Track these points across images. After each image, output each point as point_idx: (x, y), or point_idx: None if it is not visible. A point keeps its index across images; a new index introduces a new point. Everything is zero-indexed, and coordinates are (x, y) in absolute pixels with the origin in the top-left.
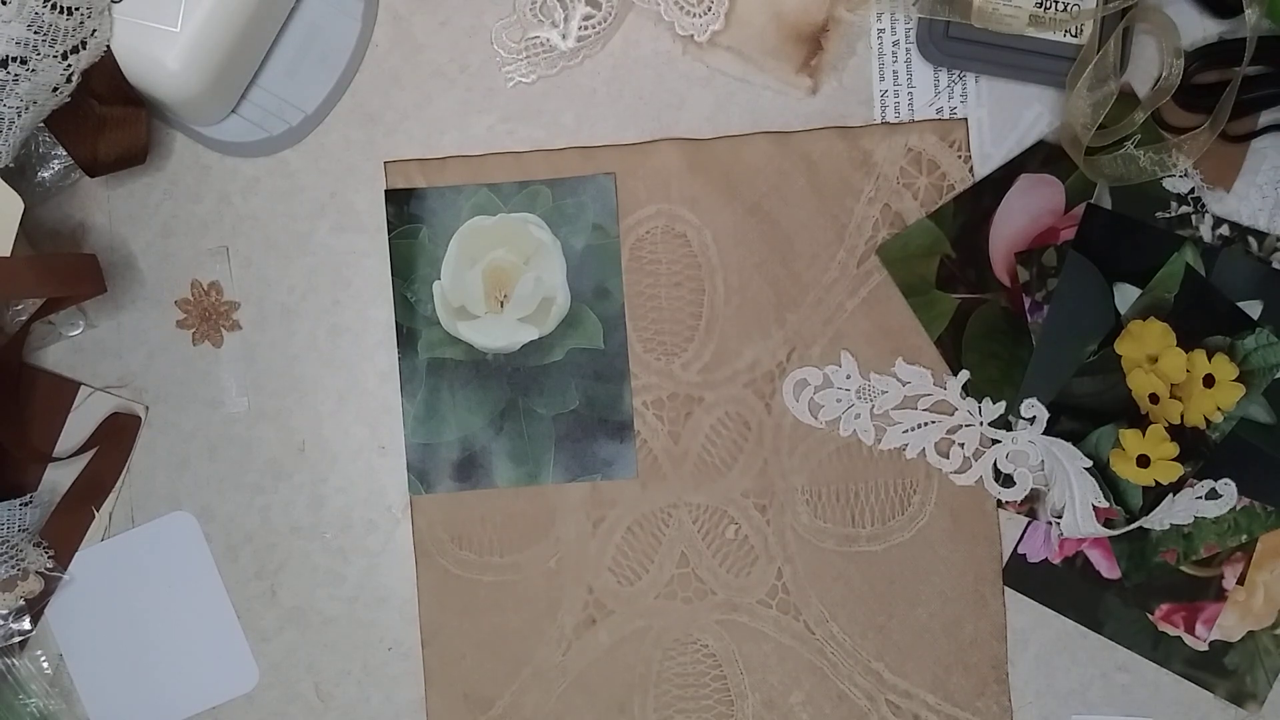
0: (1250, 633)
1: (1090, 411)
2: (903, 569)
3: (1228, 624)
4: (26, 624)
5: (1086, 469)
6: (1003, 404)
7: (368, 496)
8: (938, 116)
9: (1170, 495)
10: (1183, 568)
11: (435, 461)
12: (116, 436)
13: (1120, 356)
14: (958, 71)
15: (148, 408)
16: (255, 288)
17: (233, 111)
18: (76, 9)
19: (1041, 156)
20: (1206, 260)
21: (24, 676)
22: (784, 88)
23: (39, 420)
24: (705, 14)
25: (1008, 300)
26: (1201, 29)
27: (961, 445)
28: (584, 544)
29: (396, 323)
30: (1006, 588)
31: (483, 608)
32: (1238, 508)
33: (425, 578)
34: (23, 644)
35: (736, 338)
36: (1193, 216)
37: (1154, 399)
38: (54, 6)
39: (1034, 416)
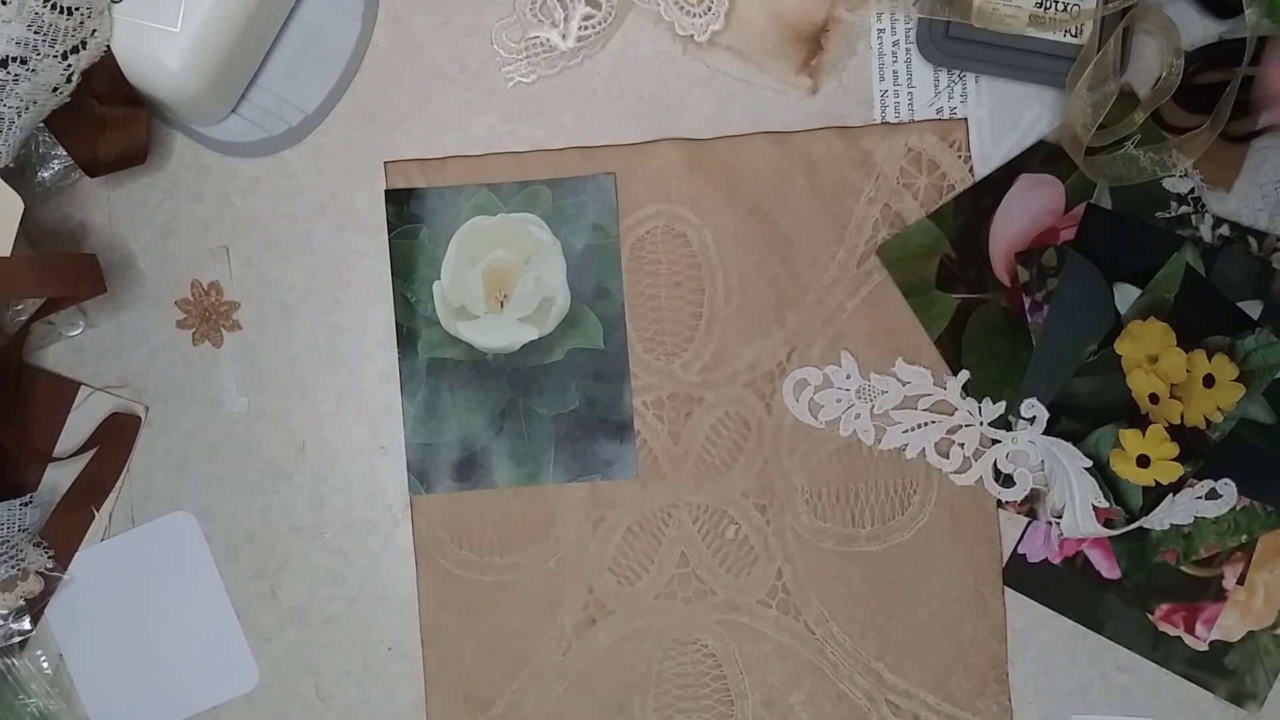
0: (1250, 633)
1: (1090, 411)
2: (903, 569)
3: (1228, 624)
4: (26, 624)
5: (1086, 469)
6: (1003, 404)
7: (368, 496)
8: (938, 116)
9: (1170, 495)
10: (1183, 568)
11: (435, 461)
12: (116, 436)
13: (1120, 356)
14: (958, 71)
15: (148, 408)
16: (255, 288)
17: (233, 111)
18: (76, 9)
19: (1041, 156)
20: (1206, 260)
21: (24, 676)
22: (784, 88)
23: (39, 420)
24: (705, 14)
25: (1008, 300)
26: (1201, 29)
27: (961, 445)
28: (584, 544)
29: (396, 323)
30: (1006, 588)
31: (483, 608)
32: (1238, 508)
33: (425, 578)
34: (23, 644)
35: (736, 338)
36: (1193, 216)
37: (1154, 399)
38: (54, 6)
39: (1034, 416)
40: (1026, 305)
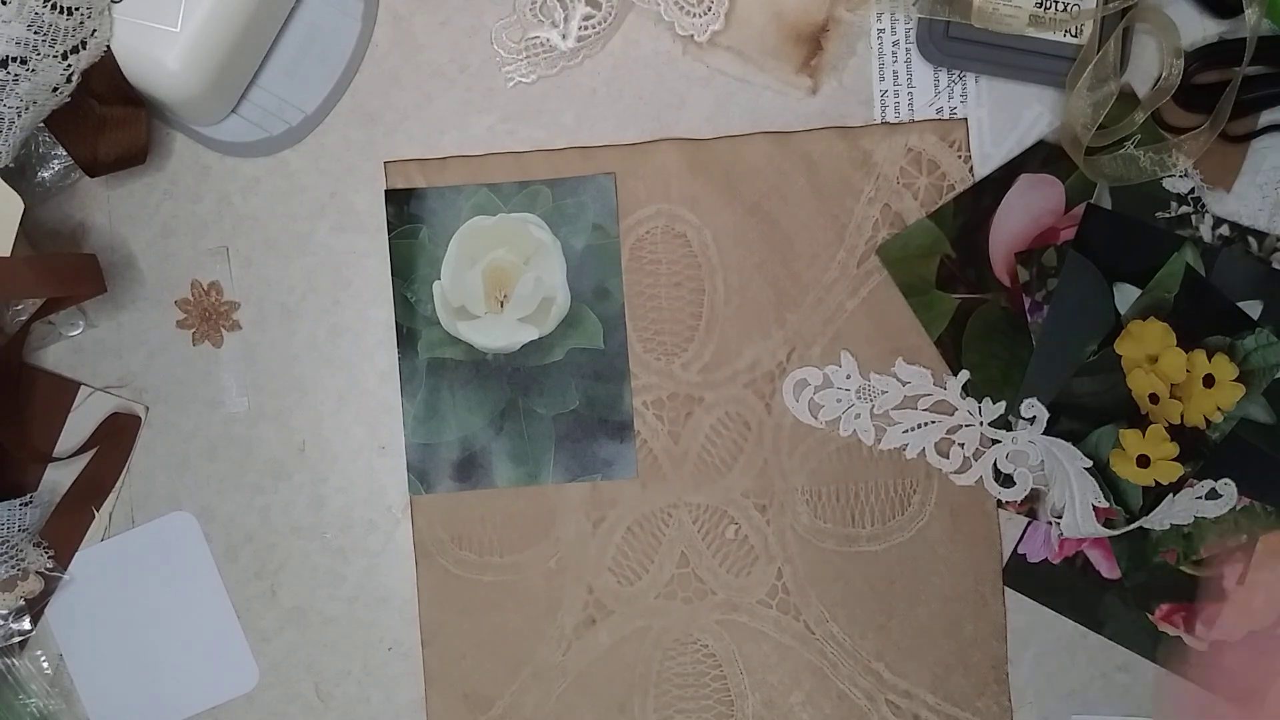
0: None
1: (1090, 411)
2: (903, 569)
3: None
4: (26, 624)
5: (1086, 469)
6: (1003, 404)
7: (368, 496)
8: (938, 116)
9: (1170, 495)
10: (1183, 568)
11: (435, 461)
12: (116, 436)
13: (1120, 356)
14: (958, 71)
15: (148, 408)
16: (255, 288)
17: (233, 111)
18: (76, 9)
19: (1041, 156)
20: (1206, 260)
21: (24, 676)
22: (784, 88)
23: (39, 420)
24: (705, 14)
25: (1008, 300)
26: (1201, 29)
27: (961, 445)
28: (584, 544)
29: (396, 323)
30: (1006, 588)
31: (483, 608)
32: (1238, 508)
33: (425, 578)
34: (23, 644)
35: (736, 338)
36: (1193, 216)
37: (1154, 399)
38: (54, 6)
39: (1034, 416)
40: (1026, 305)
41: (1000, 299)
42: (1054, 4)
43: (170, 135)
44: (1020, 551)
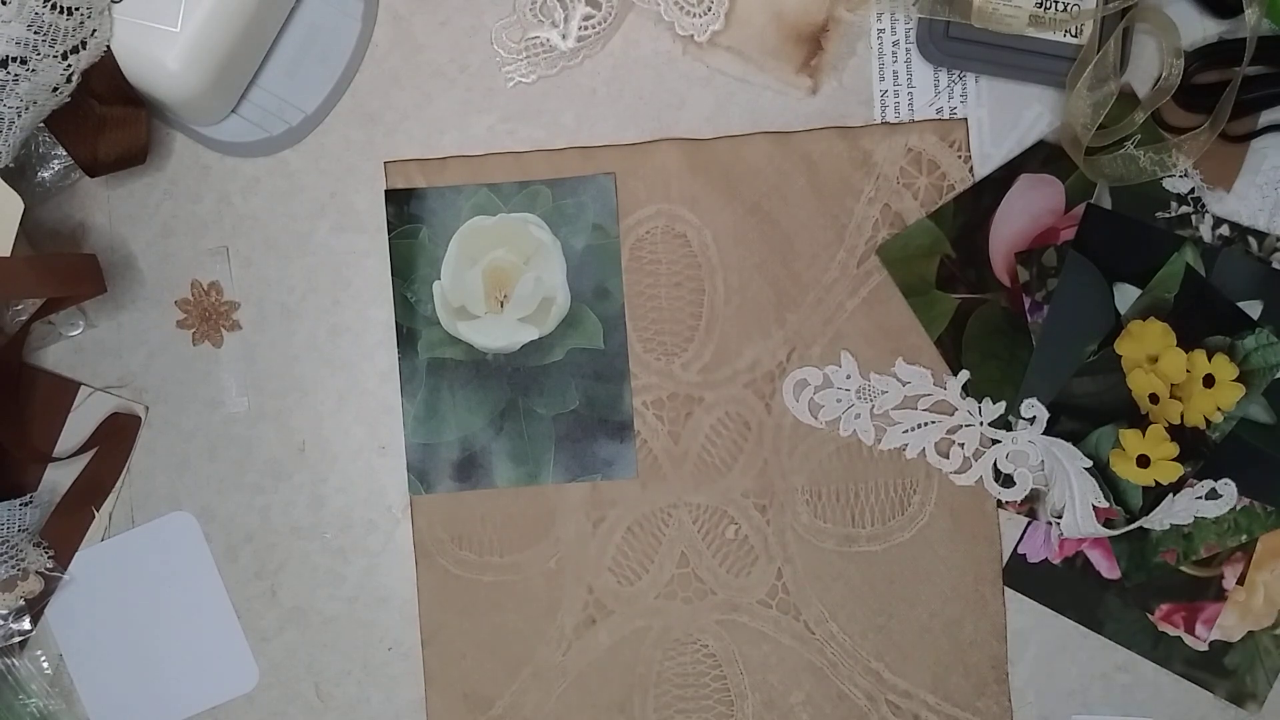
0: (1250, 633)
1: (1090, 411)
2: (903, 569)
3: (1228, 624)
4: (26, 624)
5: (1086, 469)
6: (1003, 404)
7: (368, 496)
8: (938, 116)
9: (1170, 495)
10: (1183, 568)
11: (435, 461)
12: (116, 436)
13: (1120, 356)
14: (958, 71)
15: (148, 408)
16: (255, 288)
17: (233, 111)
18: (76, 9)
19: (1041, 156)
20: (1206, 260)
21: (24, 676)
22: (784, 88)
23: (39, 420)
24: (705, 14)
25: (1008, 300)
26: (1201, 29)
27: (961, 445)
28: (584, 544)
29: (396, 323)
30: (1006, 588)
31: (483, 608)
32: (1238, 508)
33: (425, 578)
34: (23, 644)
35: (736, 338)
36: (1193, 216)
37: (1154, 399)
38: (54, 6)
39: (1034, 416)
40: (1026, 305)
41: (1000, 299)
42: (1054, 4)
43: (170, 135)
44: (1020, 551)
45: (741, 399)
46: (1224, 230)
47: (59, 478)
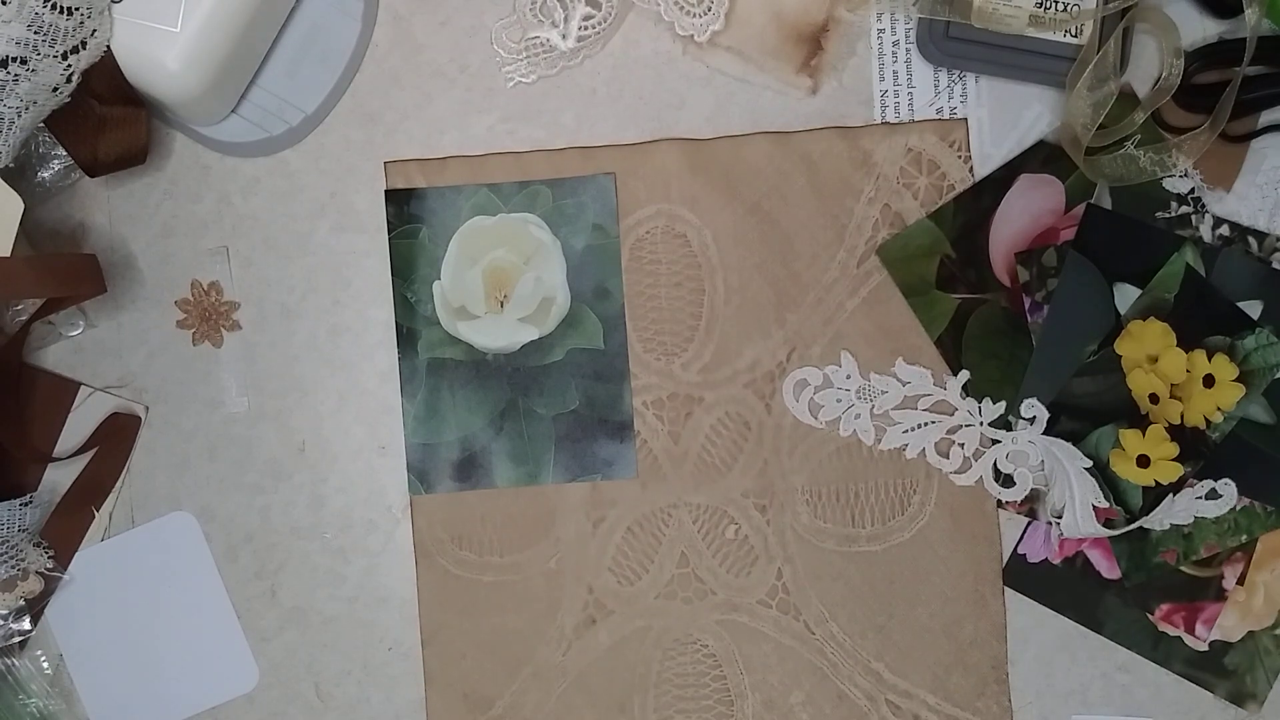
0: (1250, 633)
1: (1090, 411)
2: (903, 569)
3: (1228, 624)
4: (26, 624)
5: (1086, 469)
6: (1003, 404)
7: (368, 496)
8: (938, 116)
9: (1170, 495)
10: (1183, 568)
11: (435, 461)
12: (116, 436)
13: (1120, 356)
14: (958, 71)
15: (148, 408)
16: (255, 288)
17: (233, 111)
18: (76, 9)
19: (1041, 156)
20: (1206, 260)
21: (24, 676)
22: (784, 88)
23: (39, 420)
24: (705, 14)
25: (1008, 300)
26: (1201, 29)
27: (961, 445)
28: (584, 544)
29: (396, 323)
30: (1006, 588)
31: (483, 608)
32: (1238, 508)
33: (425, 578)
34: (23, 644)
35: (736, 338)
36: (1193, 216)
37: (1154, 399)
38: (54, 6)
39: (1034, 416)
40: (1026, 305)
41: (1000, 299)
42: (1054, 4)
43: (170, 135)
44: (1020, 551)
45: (741, 399)
46: (1224, 230)
47: (59, 478)
